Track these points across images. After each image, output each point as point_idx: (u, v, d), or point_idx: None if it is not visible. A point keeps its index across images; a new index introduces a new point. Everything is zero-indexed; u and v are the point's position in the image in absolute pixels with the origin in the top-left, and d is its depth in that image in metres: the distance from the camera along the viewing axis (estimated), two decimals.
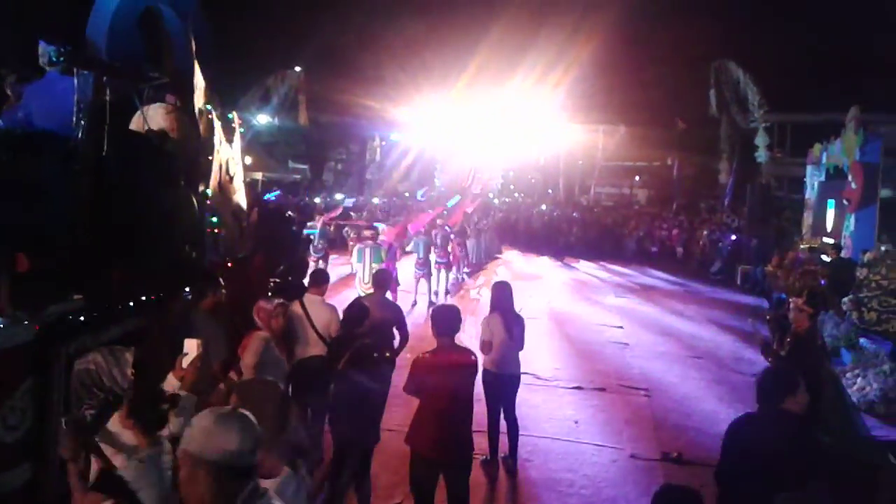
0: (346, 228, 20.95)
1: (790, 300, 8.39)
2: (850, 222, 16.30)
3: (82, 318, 5.04)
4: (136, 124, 5.83)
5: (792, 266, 13.99)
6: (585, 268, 23.55)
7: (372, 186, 38.98)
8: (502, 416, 7.05)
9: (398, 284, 13.90)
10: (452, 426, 5.07)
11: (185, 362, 4.26)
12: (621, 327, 13.98)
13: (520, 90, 35.68)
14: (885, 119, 27.26)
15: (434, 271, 15.42)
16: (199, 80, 6.58)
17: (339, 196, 30.02)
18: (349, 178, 41.02)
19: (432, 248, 15.50)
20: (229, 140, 7.26)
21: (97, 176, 5.24)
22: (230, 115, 7.75)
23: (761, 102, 26.36)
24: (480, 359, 6.11)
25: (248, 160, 28.36)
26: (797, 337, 6.69)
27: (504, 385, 6.96)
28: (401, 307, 7.61)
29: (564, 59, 33.50)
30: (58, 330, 4.44)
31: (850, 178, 16.39)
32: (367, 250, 13.35)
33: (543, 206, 33.41)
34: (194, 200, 6.20)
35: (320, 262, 15.69)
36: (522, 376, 9.98)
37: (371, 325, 6.70)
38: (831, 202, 18.39)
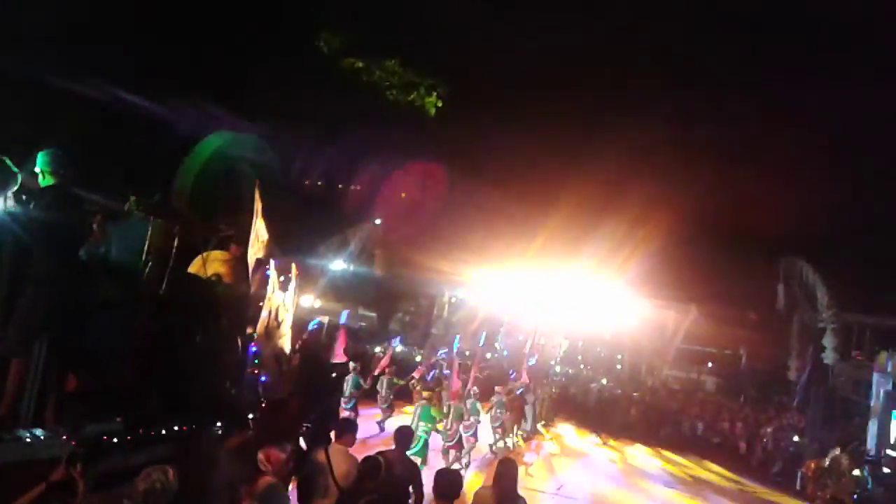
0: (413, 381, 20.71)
1: None
2: None
3: (116, 441, 5.47)
4: (195, 268, 6.49)
5: (815, 475, 13.47)
6: (639, 451, 22.85)
7: (436, 341, 39.32)
8: None
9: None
10: None
11: None
12: None
13: (591, 261, 36.19)
14: None
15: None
16: (263, 234, 7.27)
17: (398, 346, 30.42)
18: (415, 331, 41.56)
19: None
20: (283, 288, 7.84)
21: (153, 311, 5.83)
22: (290, 265, 8.39)
23: (830, 303, 26.02)
24: None
25: (319, 304, 29.46)
26: None
27: None
28: (418, 466, 7.67)
29: (637, 234, 34.05)
30: (91, 449, 4.85)
31: None
32: (419, 409, 13.49)
33: (604, 381, 32.90)
34: (238, 342, 6.71)
35: (349, 412, 15.82)
36: None
37: (387, 481, 6.86)
38: (895, 413, 17.70)
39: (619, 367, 43.02)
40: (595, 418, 26.85)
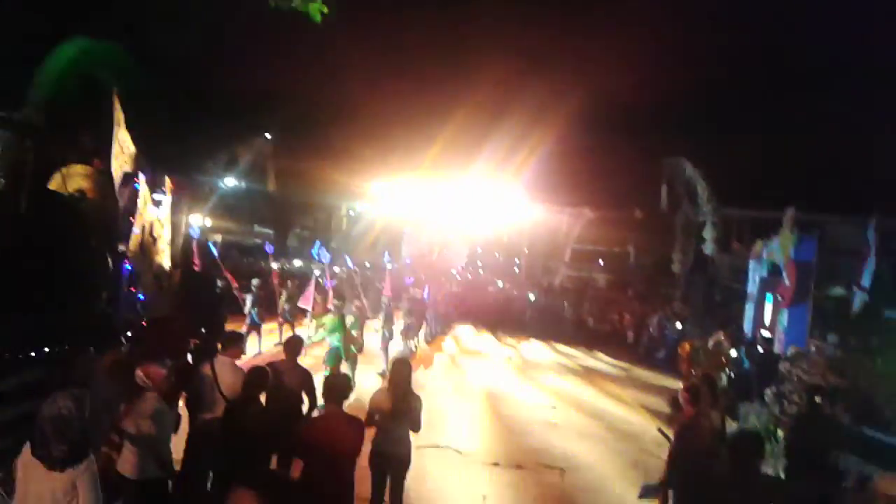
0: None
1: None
2: (784, 318, 16.84)
3: None
4: (54, 184, 6.15)
5: (689, 356, 14.48)
6: (534, 347, 23.84)
7: (336, 255, 39.20)
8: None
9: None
10: (332, 492, 5.24)
11: None
12: (554, 407, 14.20)
13: (486, 167, 36.58)
14: (837, 219, 28.47)
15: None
16: (129, 146, 6.93)
17: (297, 262, 30.21)
18: (312, 246, 41.26)
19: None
20: (156, 203, 7.56)
21: (11, 230, 5.52)
22: (164, 178, 8.08)
23: (710, 198, 27.36)
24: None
25: (210, 222, 28.68)
26: (682, 423, 7.02)
27: (388, 465, 6.72)
28: (311, 373, 7.74)
29: (530, 142, 34.51)
30: None
31: (784, 275, 17.01)
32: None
33: (500, 283, 33.81)
34: (109, 260, 6.47)
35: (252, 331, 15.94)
36: (442, 450, 10.29)
37: (276, 390, 6.92)
38: (769, 297, 18.98)
39: (516, 270, 44.29)
40: (493, 319, 27.68)
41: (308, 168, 35.05)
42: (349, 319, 15.00)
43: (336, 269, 31.56)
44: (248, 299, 16.36)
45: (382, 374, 14.70)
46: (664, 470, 7.32)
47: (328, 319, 13.54)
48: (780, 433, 11.85)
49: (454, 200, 37.22)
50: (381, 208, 38.17)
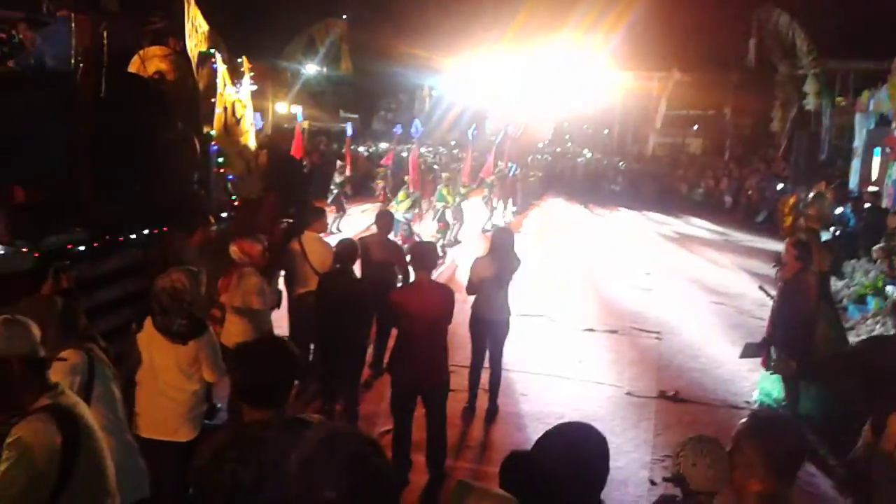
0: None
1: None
2: (893, 170, 15.79)
3: (82, 249, 5.45)
4: (134, 67, 6.15)
5: (791, 210, 13.76)
6: (627, 217, 23.40)
7: (421, 136, 38.99)
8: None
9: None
10: (426, 357, 5.30)
11: None
12: (649, 274, 13.99)
13: (571, 37, 35.11)
14: None
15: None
16: (201, 24, 6.84)
17: (383, 145, 30.21)
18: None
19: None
20: (235, 83, 7.52)
21: (95, 115, 5.58)
22: (239, 60, 8.00)
23: (810, 49, 25.38)
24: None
25: (295, 109, 28.82)
26: (785, 279, 6.73)
27: (489, 329, 6.87)
28: (401, 246, 7.79)
29: (616, 5, 32.77)
30: (56, 258, 4.82)
31: (893, 125, 15.83)
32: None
33: (588, 154, 33.03)
34: (195, 141, 6.52)
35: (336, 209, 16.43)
36: (537, 318, 10.33)
37: (367, 263, 7.00)
38: (877, 150, 17.80)
39: (606, 141, 43.13)
40: (583, 191, 27.23)
41: (387, 48, 34.43)
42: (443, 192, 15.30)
43: (423, 149, 31.56)
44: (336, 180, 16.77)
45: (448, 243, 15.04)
46: (767, 328, 7.12)
47: (403, 196, 13.91)
48: (889, 290, 11.33)
49: (539, 73, 36.07)
50: (465, 86, 37.39)
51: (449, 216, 15.30)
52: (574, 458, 2.84)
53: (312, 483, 1.58)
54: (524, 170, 23.82)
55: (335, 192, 16.86)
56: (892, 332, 9.70)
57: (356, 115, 38.67)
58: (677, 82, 37.26)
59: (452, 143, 34.46)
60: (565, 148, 40.26)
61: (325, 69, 33.99)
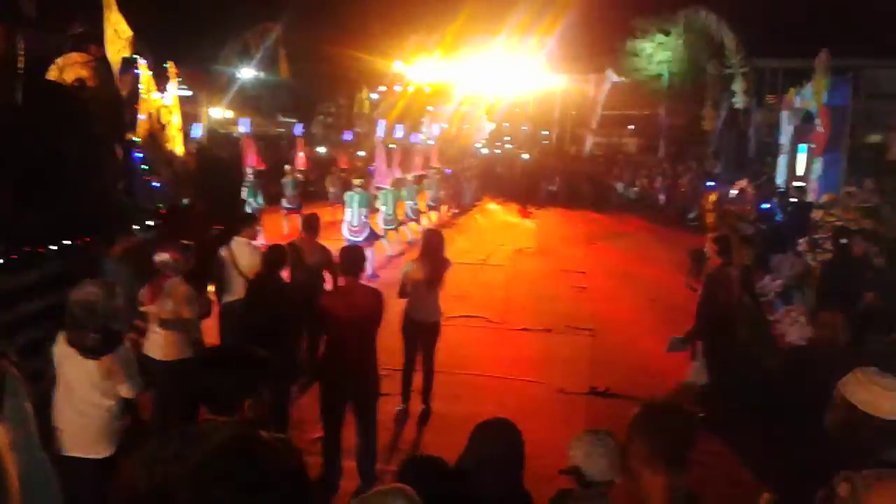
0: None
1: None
2: (817, 166, 16.43)
3: (0, 261, 5.32)
4: (52, 74, 6.02)
5: (713, 207, 14.24)
6: (563, 216, 23.74)
7: (360, 139, 38.90)
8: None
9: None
10: (355, 361, 5.31)
11: None
12: (583, 272, 14.25)
13: (508, 40, 35.53)
14: (874, 63, 27.26)
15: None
16: (124, 30, 6.73)
17: (321, 149, 30.03)
18: (338, 133, 40.94)
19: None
20: (161, 89, 7.42)
21: (11, 124, 5.45)
22: (165, 65, 7.89)
23: (738, 48, 26.22)
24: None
25: (231, 114, 28.43)
26: (708, 274, 6.96)
27: (421, 332, 6.98)
28: (330, 250, 7.77)
29: (550, 7, 33.31)
30: None
31: (817, 121, 16.47)
32: (357, 196, 13.54)
33: (525, 156, 33.42)
34: (118, 148, 6.41)
35: (289, 213, 16.08)
36: (473, 319, 10.44)
37: (298, 268, 6.98)
38: (802, 147, 18.49)
39: (545, 142, 43.61)
40: (521, 191, 27.49)
41: (326, 52, 34.25)
42: (387, 196, 15.16)
43: (361, 153, 31.49)
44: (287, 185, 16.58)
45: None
46: (692, 322, 7.35)
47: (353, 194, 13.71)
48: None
49: (477, 75, 36.37)
50: (403, 89, 37.49)
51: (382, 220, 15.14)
52: (490, 452, 3.02)
53: (209, 483, 1.61)
54: (465, 171, 24.01)
55: (292, 194, 16.59)
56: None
57: (294, 120, 38.39)
58: (613, 84, 37.94)
59: (392, 146, 34.44)
60: (504, 149, 40.62)
61: (261, 74, 33.64)
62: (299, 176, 17.13)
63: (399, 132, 21.51)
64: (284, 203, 16.51)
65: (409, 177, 19.31)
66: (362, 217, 13.05)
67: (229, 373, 2.58)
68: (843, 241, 8.69)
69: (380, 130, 19.01)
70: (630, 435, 2.47)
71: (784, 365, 4.12)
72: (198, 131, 16.27)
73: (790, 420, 3.87)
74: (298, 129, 19.79)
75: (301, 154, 21.49)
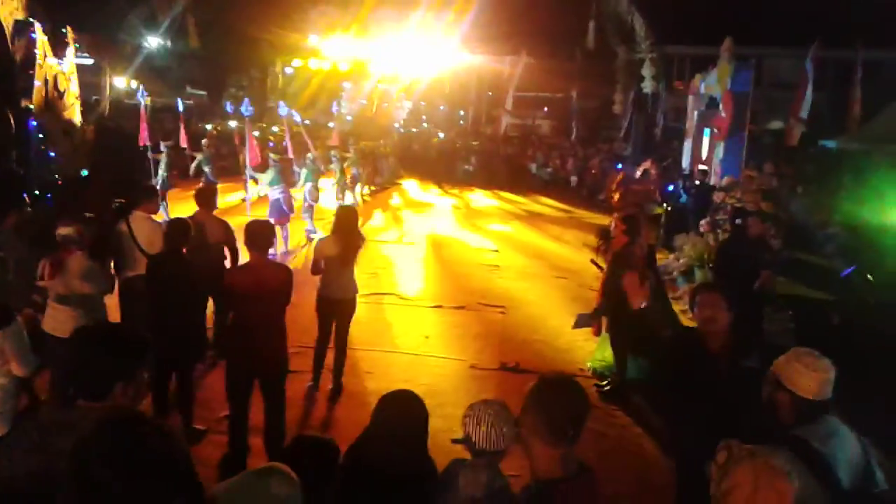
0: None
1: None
2: (720, 150, 17.09)
3: None
4: None
5: (619, 187, 14.72)
6: (478, 196, 23.94)
7: (273, 114, 38.09)
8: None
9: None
10: (262, 338, 5.19)
11: None
12: (496, 251, 14.43)
13: (424, 19, 35.39)
14: (776, 52, 28.46)
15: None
16: None
17: (231, 123, 29.25)
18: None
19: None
20: (59, 55, 7.06)
21: None
22: (63, 30, 7.51)
23: (647, 34, 26.93)
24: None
25: (135, 84, 27.30)
26: (614, 252, 7.16)
27: (335, 309, 6.89)
28: (230, 224, 7.56)
29: None
30: None
31: (720, 107, 17.10)
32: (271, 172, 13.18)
33: (441, 135, 33.52)
34: (9, 115, 6.08)
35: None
36: (386, 296, 10.44)
37: (199, 242, 6.78)
38: (707, 131, 19.17)
39: (461, 122, 43.80)
40: (437, 171, 27.57)
41: (238, 23, 33.27)
42: (303, 172, 14.80)
43: (275, 128, 30.86)
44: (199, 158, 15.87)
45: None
46: (597, 298, 7.56)
47: (265, 174, 13.35)
48: (697, 274, 12.23)
49: (393, 53, 36.11)
50: (319, 64, 36.86)
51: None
52: (392, 422, 3.07)
53: (87, 463, 1.56)
54: (382, 148, 23.87)
55: (206, 169, 15.85)
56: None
57: (204, 92, 37.23)
58: (526, 65, 38.31)
59: (307, 122, 33.89)
60: (420, 128, 40.60)
61: (169, 43, 32.42)
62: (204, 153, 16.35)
63: (297, 117, 21.01)
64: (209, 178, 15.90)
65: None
66: (278, 193, 12.81)
67: (99, 355, 2.39)
68: (739, 221, 9.06)
69: (281, 110, 18.48)
70: (524, 407, 2.52)
71: (673, 339, 4.25)
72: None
73: (679, 392, 4.06)
74: (179, 104, 18.95)
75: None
